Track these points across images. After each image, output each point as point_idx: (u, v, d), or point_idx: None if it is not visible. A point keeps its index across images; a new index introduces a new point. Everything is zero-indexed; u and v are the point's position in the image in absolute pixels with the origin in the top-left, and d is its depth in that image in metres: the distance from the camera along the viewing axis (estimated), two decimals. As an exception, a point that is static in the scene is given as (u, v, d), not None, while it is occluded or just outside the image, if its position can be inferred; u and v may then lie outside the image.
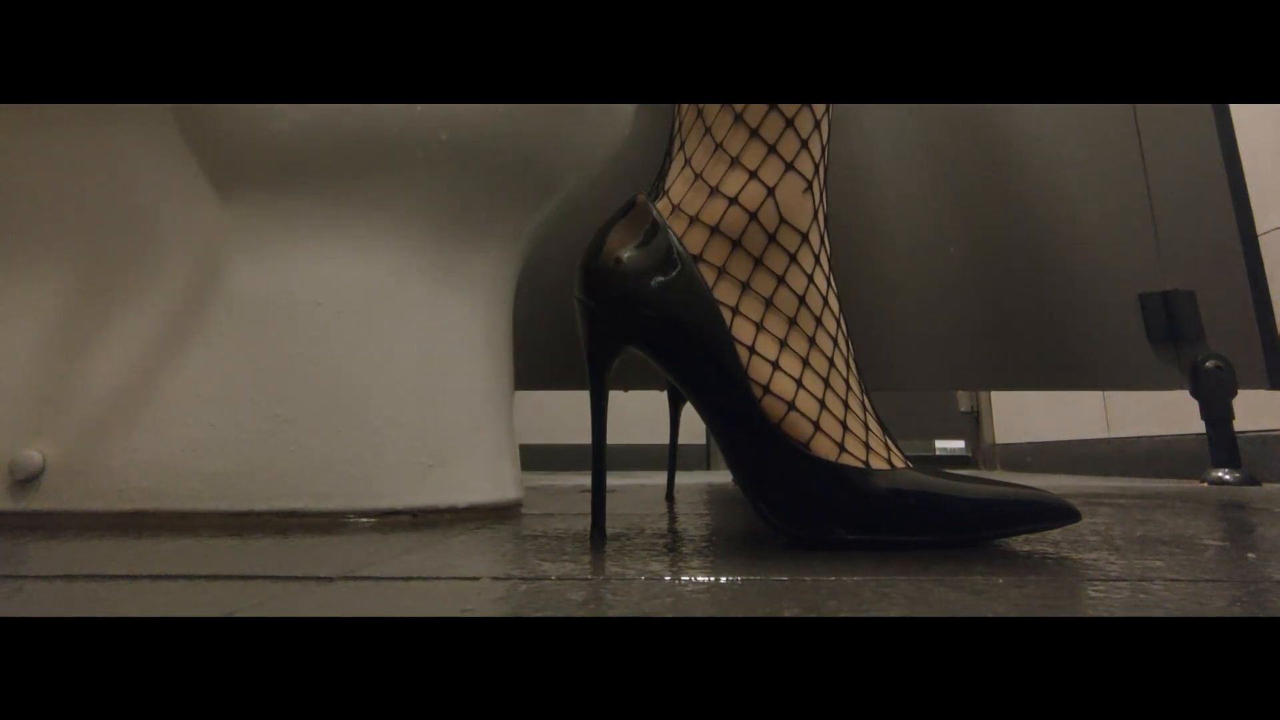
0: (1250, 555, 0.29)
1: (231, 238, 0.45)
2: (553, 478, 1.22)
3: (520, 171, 0.48)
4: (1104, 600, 0.20)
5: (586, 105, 0.50)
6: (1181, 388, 0.96)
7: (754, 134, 0.34)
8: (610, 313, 0.34)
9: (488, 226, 0.49)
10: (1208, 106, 1.05)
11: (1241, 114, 1.10)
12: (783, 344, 0.32)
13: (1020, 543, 0.32)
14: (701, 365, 0.32)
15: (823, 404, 0.32)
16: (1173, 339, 0.97)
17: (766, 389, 0.31)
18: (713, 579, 0.24)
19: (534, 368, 0.96)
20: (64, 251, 0.46)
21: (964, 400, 2.20)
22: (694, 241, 0.33)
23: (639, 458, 1.94)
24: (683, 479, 1.18)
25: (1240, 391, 0.94)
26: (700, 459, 2.03)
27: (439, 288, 0.47)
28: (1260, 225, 1.07)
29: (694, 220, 0.33)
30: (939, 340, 0.98)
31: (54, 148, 0.47)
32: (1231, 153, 1.03)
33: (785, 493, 0.31)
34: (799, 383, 0.32)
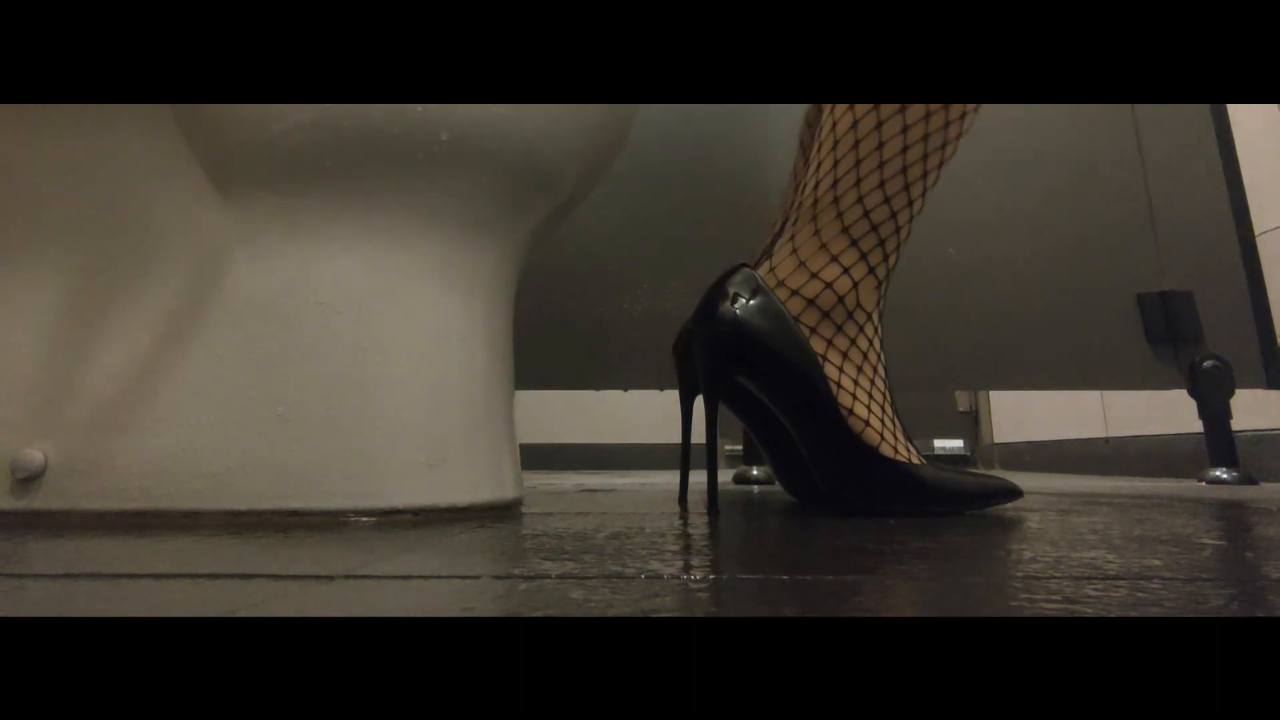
0: (1248, 554, 0.29)
1: (233, 238, 0.45)
2: (553, 477, 1.22)
3: (521, 172, 0.48)
4: (1102, 599, 0.20)
5: (587, 105, 0.50)
6: (1179, 387, 0.97)
7: (853, 244, 0.45)
8: (726, 353, 0.45)
9: (488, 227, 0.49)
10: (1206, 107, 1.05)
11: (1240, 114, 1.10)
12: (855, 381, 0.45)
13: (1020, 542, 0.32)
14: (801, 393, 0.44)
15: (882, 421, 0.44)
16: (1171, 339, 0.97)
17: (850, 411, 0.44)
18: (713, 578, 0.24)
19: (534, 368, 0.96)
20: (66, 252, 0.46)
21: (963, 400, 2.21)
22: (794, 307, 0.45)
23: (639, 458, 1.94)
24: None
25: (1238, 391, 0.94)
26: (700, 459, 2.03)
27: (440, 287, 0.47)
28: (1258, 226, 1.07)
29: (795, 293, 0.45)
30: (939, 340, 0.98)
31: (54, 148, 0.47)
32: (1229, 153, 1.03)
33: (862, 481, 0.44)
34: (868, 407, 0.44)
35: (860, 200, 0.44)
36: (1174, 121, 1.04)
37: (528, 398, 1.78)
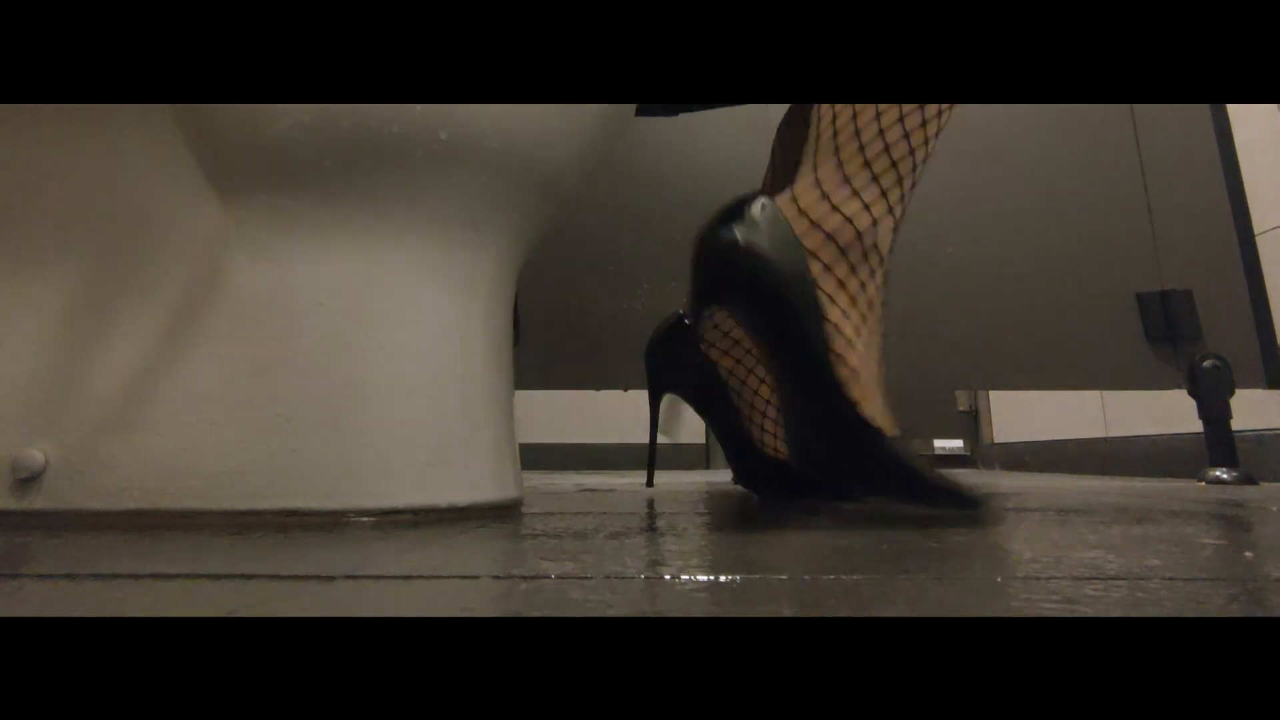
0: (1248, 554, 0.29)
1: (232, 238, 0.45)
2: (553, 477, 1.22)
3: (520, 171, 0.48)
4: (1102, 598, 0.20)
5: (586, 105, 0.50)
6: (1179, 387, 0.97)
7: (874, 179, 0.44)
8: (723, 265, 0.43)
9: (488, 226, 0.49)
10: (1205, 106, 1.05)
11: (1239, 114, 1.10)
12: (857, 331, 0.43)
13: (1020, 542, 0.32)
14: (791, 326, 0.42)
15: (873, 380, 0.42)
16: (1170, 338, 0.97)
17: (842, 358, 0.41)
18: (712, 578, 0.24)
19: (534, 368, 0.96)
20: (66, 252, 0.46)
21: (963, 399, 2.21)
22: (812, 241, 0.43)
23: (639, 458, 1.94)
24: (682, 478, 1.18)
25: (1238, 391, 0.94)
26: (700, 458, 2.04)
27: (439, 287, 0.47)
28: (1257, 225, 1.08)
29: (815, 224, 0.43)
30: (938, 340, 0.98)
31: (55, 148, 0.47)
32: (1229, 152, 1.03)
33: (829, 439, 0.41)
34: (863, 361, 0.42)
35: (881, 133, 0.44)
36: (1174, 121, 1.04)
37: (528, 398, 1.78)
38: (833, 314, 0.42)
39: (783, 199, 0.45)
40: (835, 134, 0.44)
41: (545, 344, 0.97)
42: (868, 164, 0.44)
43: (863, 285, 0.44)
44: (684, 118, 1.04)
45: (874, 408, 0.42)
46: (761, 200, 0.44)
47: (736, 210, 0.44)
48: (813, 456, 0.42)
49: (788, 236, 0.43)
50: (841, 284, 0.43)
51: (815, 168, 0.45)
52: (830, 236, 0.43)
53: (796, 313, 0.42)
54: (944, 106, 0.44)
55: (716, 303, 0.44)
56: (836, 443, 0.41)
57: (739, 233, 0.43)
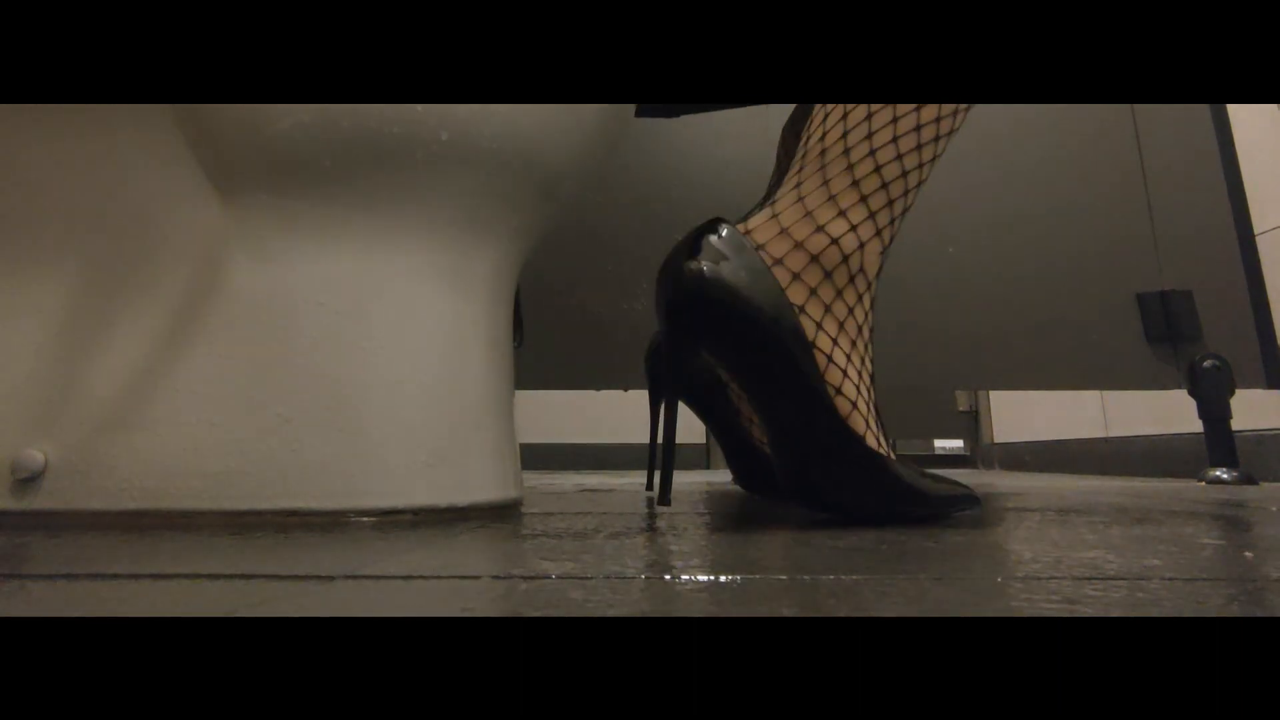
0: (1248, 554, 0.29)
1: (233, 238, 0.45)
2: (553, 477, 1.22)
3: (520, 172, 0.48)
4: (1102, 598, 0.20)
5: (586, 105, 0.50)
6: (1179, 387, 0.97)
7: (863, 200, 0.41)
8: (694, 314, 0.40)
9: (488, 226, 0.49)
10: (1205, 107, 1.05)
11: (1239, 114, 1.10)
12: (847, 357, 0.41)
13: (1020, 542, 0.32)
14: (780, 364, 0.39)
15: (869, 406, 0.41)
16: (1170, 338, 0.97)
17: (839, 390, 0.40)
18: (712, 579, 0.24)
19: (534, 368, 0.96)
20: (66, 252, 0.46)
21: (963, 399, 2.21)
22: (795, 262, 0.41)
23: (639, 458, 1.94)
24: (682, 478, 1.18)
25: (1238, 391, 0.94)
26: (700, 458, 2.04)
27: (439, 287, 0.47)
28: (1257, 225, 1.08)
29: (799, 245, 0.41)
30: (938, 340, 0.98)
31: (55, 148, 0.47)
32: (1229, 153, 1.03)
33: (834, 475, 0.40)
34: (857, 388, 0.40)
35: (873, 153, 0.41)
36: (1174, 121, 1.04)
37: (528, 398, 1.78)
38: (822, 342, 0.40)
39: (761, 218, 0.42)
40: (824, 151, 0.42)
41: (545, 344, 0.97)
42: (856, 183, 0.42)
43: (850, 310, 0.42)
44: (684, 118, 1.04)
45: (873, 436, 0.40)
46: (722, 228, 0.41)
47: (695, 242, 0.41)
48: (812, 489, 0.40)
49: (754, 261, 0.40)
50: (828, 309, 0.41)
51: (799, 185, 0.43)
52: (815, 259, 0.41)
53: (779, 339, 0.39)
54: (941, 128, 0.42)
55: (700, 345, 0.41)
56: (842, 478, 0.40)
57: (704, 265, 0.40)
